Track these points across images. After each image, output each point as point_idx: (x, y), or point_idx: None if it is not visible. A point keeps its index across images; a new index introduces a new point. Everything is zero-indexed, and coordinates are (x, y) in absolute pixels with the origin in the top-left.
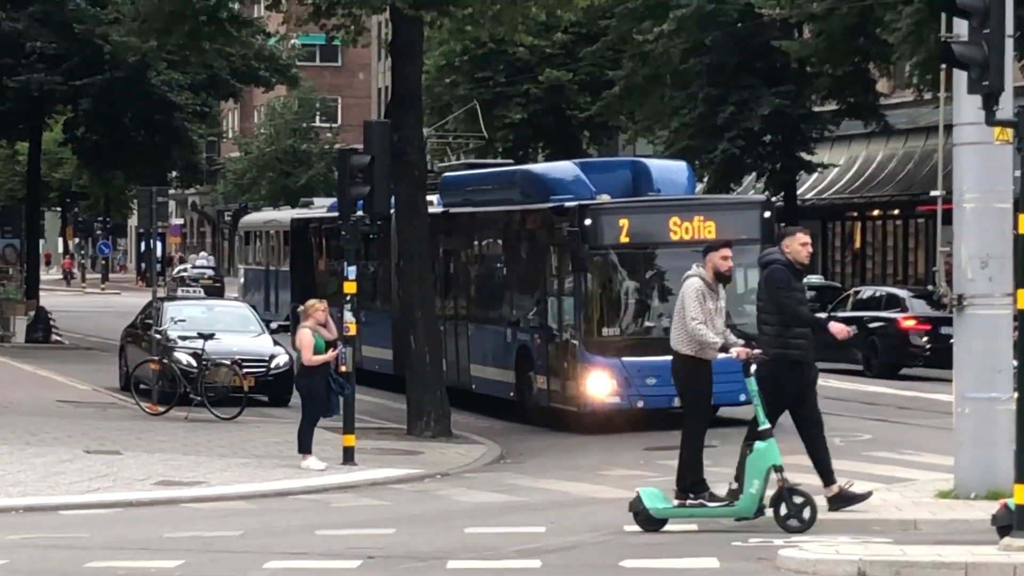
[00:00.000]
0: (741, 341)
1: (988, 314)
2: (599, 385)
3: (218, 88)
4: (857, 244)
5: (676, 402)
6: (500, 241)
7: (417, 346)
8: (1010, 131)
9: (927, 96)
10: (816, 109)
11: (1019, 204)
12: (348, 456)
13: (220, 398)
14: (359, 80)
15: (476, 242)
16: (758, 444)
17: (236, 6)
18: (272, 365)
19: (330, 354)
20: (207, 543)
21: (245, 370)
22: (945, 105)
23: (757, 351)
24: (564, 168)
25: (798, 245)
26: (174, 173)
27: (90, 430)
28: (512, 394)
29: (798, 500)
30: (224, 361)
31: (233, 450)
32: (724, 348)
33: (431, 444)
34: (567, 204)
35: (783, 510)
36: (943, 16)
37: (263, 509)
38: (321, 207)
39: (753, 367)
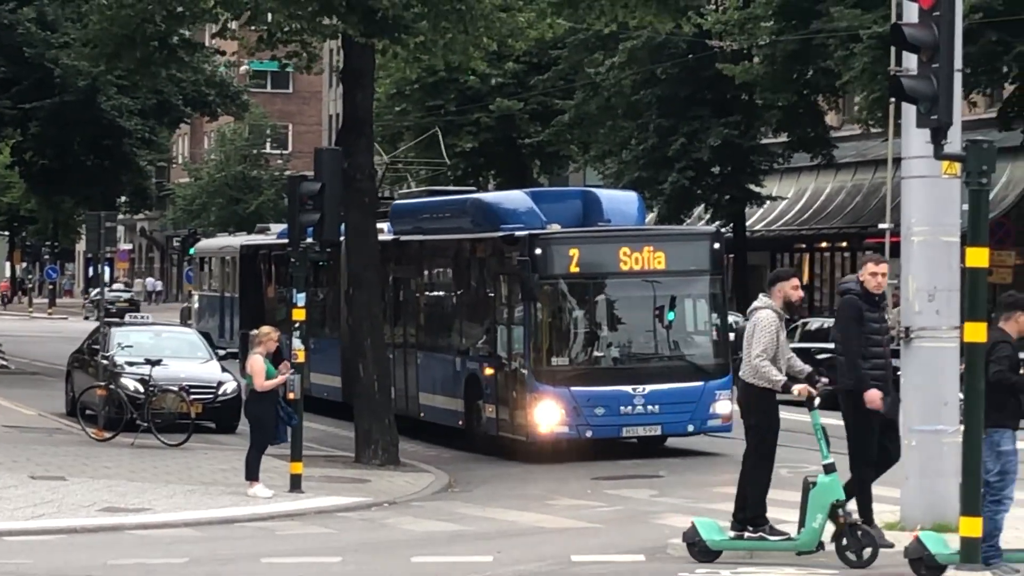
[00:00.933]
0: (805, 373)
1: (935, 347)
2: (547, 415)
3: (168, 114)
4: (805, 276)
5: (624, 432)
6: (450, 269)
7: (365, 374)
8: (958, 165)
9: (876, 130)
10: (765, 141)
11: (966, 238)
12: (295, 484)
13: (167, 424)
14: (310, 107)
15: (426, 270)
16: (821, 478)
17: (187, 32)
18: (220, 392)
19: (281, 378)
20: (151, 571)
21: (193, 396)
22: (894, 138)
23: (820, 384)
24: (515, 197)
25: (867, 275)
26: (123, 198)
27: (35, 455)
28: (460, 423)
29: (862, 537)
30: (171, 387)
31: (179, 477)
32: (786, 388)
33: (379, 472)
34: (517, 233)
35: (844, 542)
36: (892, 50)
37: (209, 537)
38: (275, 233)
39: (817, 401)
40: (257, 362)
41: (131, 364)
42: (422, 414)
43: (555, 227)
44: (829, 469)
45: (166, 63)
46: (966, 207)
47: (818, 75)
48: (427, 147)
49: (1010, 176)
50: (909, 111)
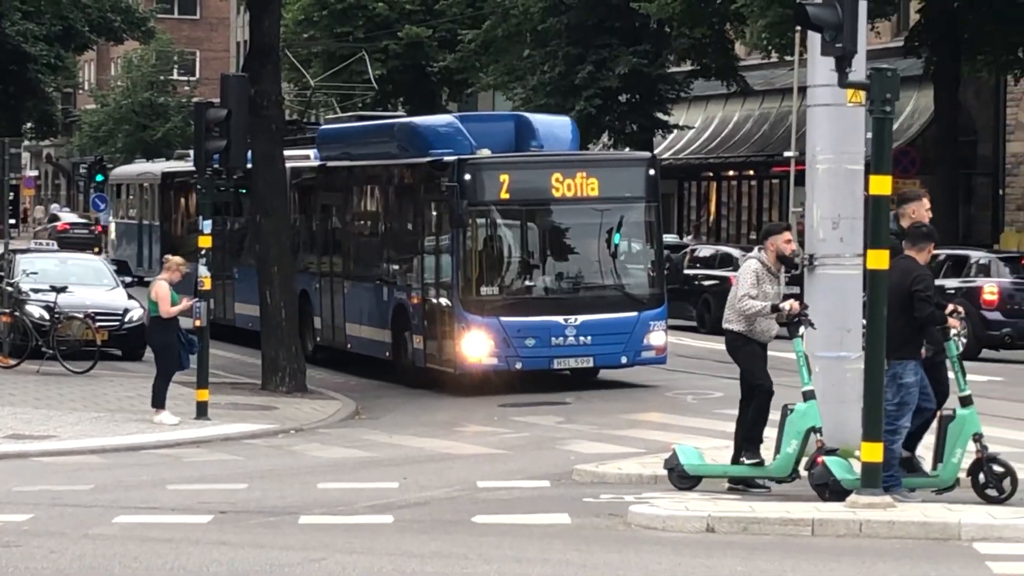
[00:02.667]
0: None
1: (838, 274)
2: (476, 346)
3: (73, 40)
4: (712, 204)
5: (556, 364)
6: (377, 196)
7: (272, 301)
8: (862, 93)
9: (788, 58)
10: (673, 70)
11: (870, 166)
12: (201, 411)
13: (72, 352)
14: (217, 33)
15: (353, 197)
16: (799, 405)
17: None
18: (126, 319)
19: (185, 303)
20: (56, 497)
21: (98, 324)
22: (799, 67)
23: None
24: (444, 121)
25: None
26: (28, 124)
27: None
28: (388, 354)
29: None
30: (77, 314)
31: (85, 404)
32: (775, 308)
33: (286, 399)
34: (445, 158)
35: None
36: None
37: (114, 463)
38: None
39: (801, 329)
40: (163, 288)
41: (36, 291)
42: (349, 345)
43: (485, 152)
44: (808, 396)
45: None
46: (870, 135)
47: (725, 3)
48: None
49: (915, 105)
50: (814, 39)
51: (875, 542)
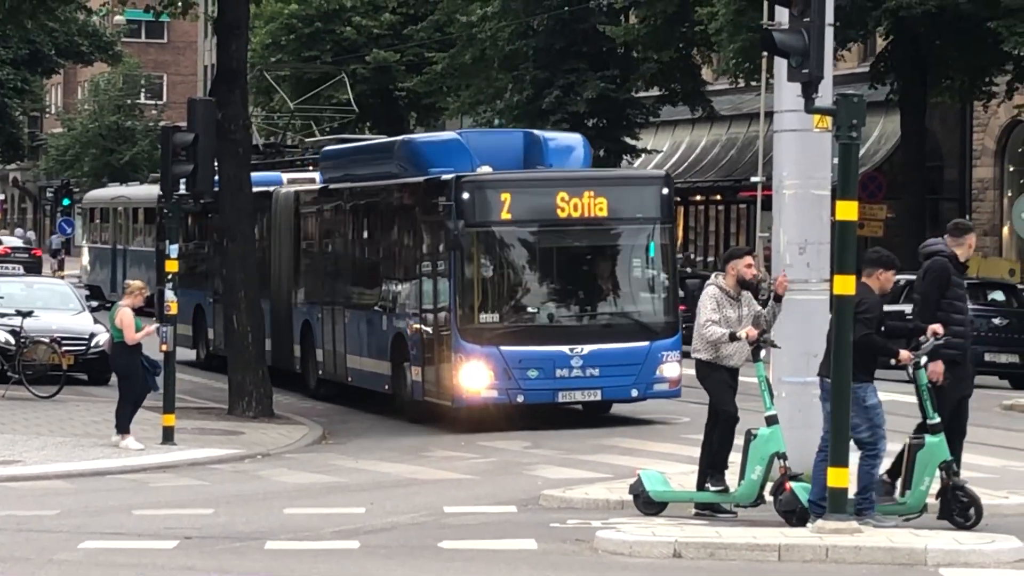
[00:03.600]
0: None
1: (805, 299)
2: (475, 377)
3: (40, 63)
4: (680, 228)
5: (560, 397)
6: (374, 219)
7: (239, 326)
8: (829, 119)
9: (752, 83)
10: (641, 95)
11: (837, 191)
12: (168, 436)
13: (38, 376)
14: (185, 57)
15: (353, 220)
16: (762, 430)
17: None
18: (92, 343)
19: (148, 329)
20: (21, 522)
21: (64, 348)
22: (766, 92)
23: (767, 334)
24: (446, 137)
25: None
26: None
27: None
28: (387, 387)
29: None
30: (43, 339)
31: (51, 429)
32: (733, 336)
33: (252, 424)
34: (443, 176)
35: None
36: (764, 4)
37: (80, 489)
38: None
39: (762, 352)
40: (127, 315)
41: (2, 315)
42: (350, 378)
43: (485, 169)
44: (771, 421)
45: (35, 13)
46: (837, 160)
47: (692, 28)
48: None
49: (882, 131)
50: (781, 65)
51: (842, 567)
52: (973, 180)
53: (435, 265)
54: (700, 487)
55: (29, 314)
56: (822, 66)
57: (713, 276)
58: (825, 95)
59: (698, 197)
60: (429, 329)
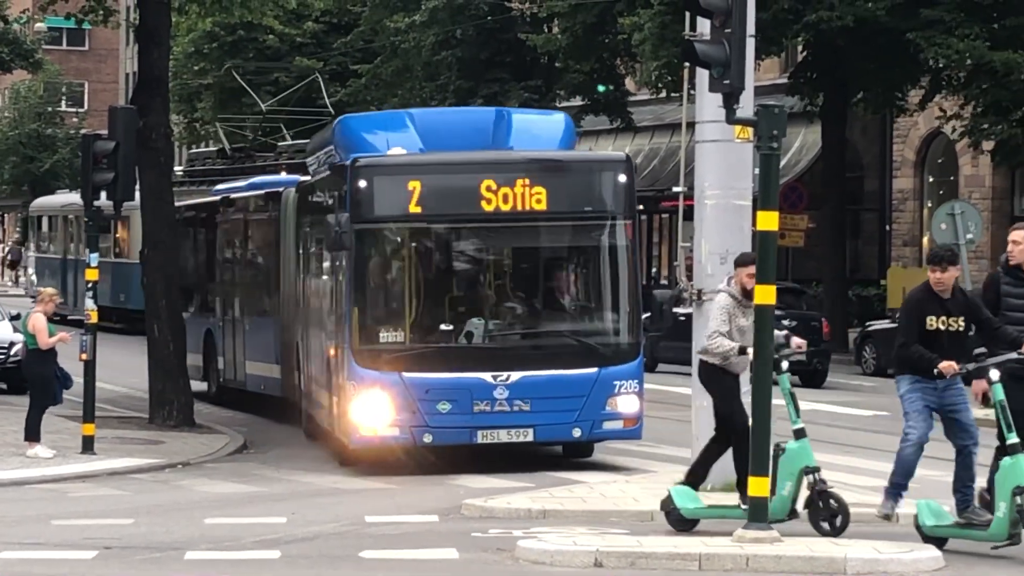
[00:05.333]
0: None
1: None
2: (371, 411)
3: None
4: None
5: (480, 437)
6: (276, 219)
7: (160, 334)
8: (750, 130)
9: (674, 95)
10: (563, 104)
11: (758, 201)
12: (87, 445)
13: None
14: (106, 65)
15: (251, 222)
16: (790, 445)
17: None
18: (12, 352)
19: (61, 335)
20: None
21: None
22: (688, 103)
23: (793, 345)
24: (391, 118)
25: (1011, 244)
26: None
27: None
28: (283, 392)
29: (832, 504)
30: None
31: None
32: (742, 350)
33: (173, 433)
34: (335, 162)
35: (815, 513)
36: (687, 15)
37: None
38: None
39: (784, 365)
40: (40, 320)
41: None
42: (248, 385)
43: (397, 151)
44: (799, 435)
45: None
46: (758, 171)
47: (616, 40)
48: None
49: (803, 141)
50: (702, 76)
51: None
52: (893, 191)
53: (334, 273)
54: (691, 484)
55: None
56: (743, 77)
57: (724, 282)
58: (746, 106)
59: None
60: (323, 349)
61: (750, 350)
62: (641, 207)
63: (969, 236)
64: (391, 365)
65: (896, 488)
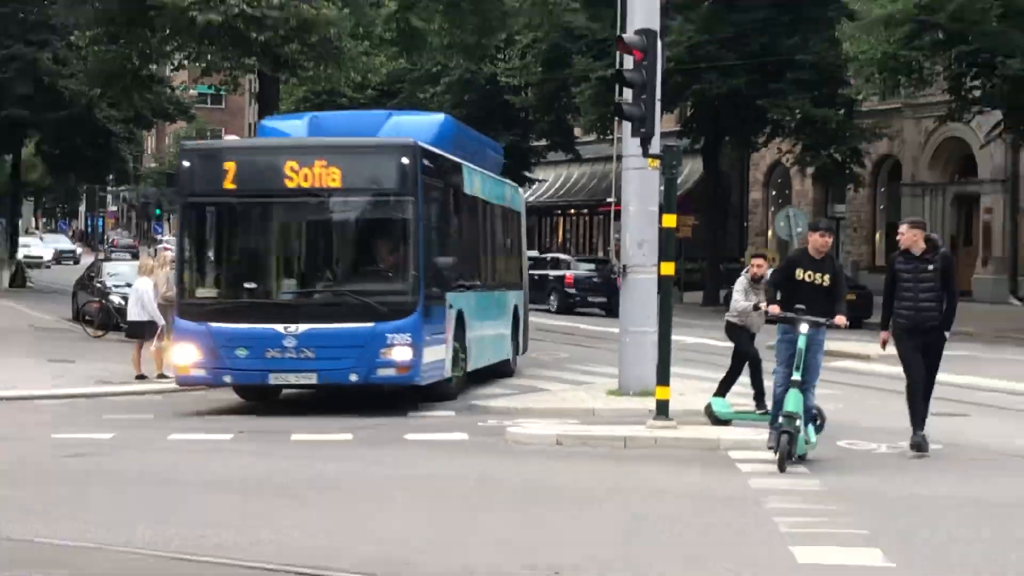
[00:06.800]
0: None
1: (642, 278)
2: (186, 354)
3: (141, 121)
4: (560, 231)
5: (272, 379)
6: None
7: None
8: (658, 161)
9: (606, 136)
10: (535, 144)
11: (663, 208)
12: None
13: None
14: (236, 119)
15: None
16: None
17: (153, 68)
18: None
19: None
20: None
21: None
22: (617, 143)
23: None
24: (293, 117)
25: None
26: (110, 176)
27: (51, 346)
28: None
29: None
30: None
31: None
32: (756, 306)
33: None
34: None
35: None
36: (616, 87)
37: (173, 400)
38: None
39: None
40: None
41: (117, 286)
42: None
43: (230, 138)
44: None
45: (139, 90)
46: (663, 188)
47: (568, 101)
48: None
49: (691, 168)
50: (627, 126)
51: (665, 451)
52: (749, 201)
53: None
54: (721, 395)
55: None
56: (653, 127)
57: (744, 271)
58: (656, 146)
59: (572, 211)
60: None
61: (763, 305)
62: (585, 211)
63: (799, 230)
64: (201, 317)
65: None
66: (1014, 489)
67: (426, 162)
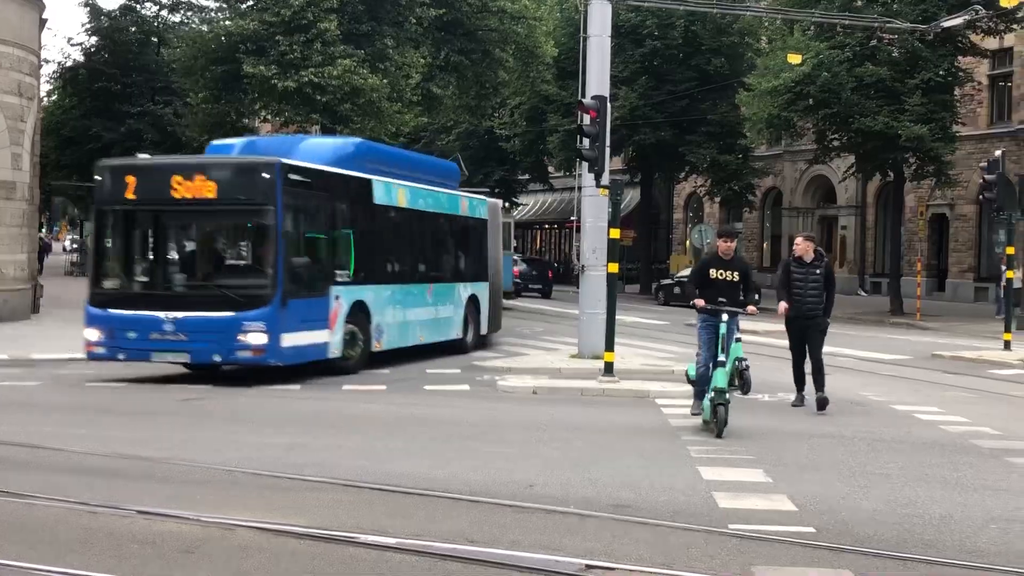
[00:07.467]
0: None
1: (596, 275)
2: (92, 334)
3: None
4: (537, 243)
5: (154, 357)
6: None
7: None
8: (607, 190)
9: (572, 172)
10: (520, 177)
11: (610, 224)
12: None
13: None
14: None
15: None
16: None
17: (247, 121)
18: None
19: None
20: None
21: None
22: (579, 177)
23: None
24: (276, 142)
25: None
26: None
27: None
28: None
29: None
30: None
31: None
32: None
33: None
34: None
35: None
36: (578, 137)
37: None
38: None
39: (698, 304)
40: None
41: None
42: None
43: (144, 156)
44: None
45: (226, 134)
46: (610, 209)
47: (545, 146)
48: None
49: (631, 196)
50: (585, 165)
51: (611, 399)
52: (673, 219)
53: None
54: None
55: None
56: (604, 165)
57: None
58: (606, 179)
59: (547, 226)
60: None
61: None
62: (556, 226)
63: (708, 241)
64: (103, 304)
65: (700, 394)
66: (860, 426)
67: (294, 176)
